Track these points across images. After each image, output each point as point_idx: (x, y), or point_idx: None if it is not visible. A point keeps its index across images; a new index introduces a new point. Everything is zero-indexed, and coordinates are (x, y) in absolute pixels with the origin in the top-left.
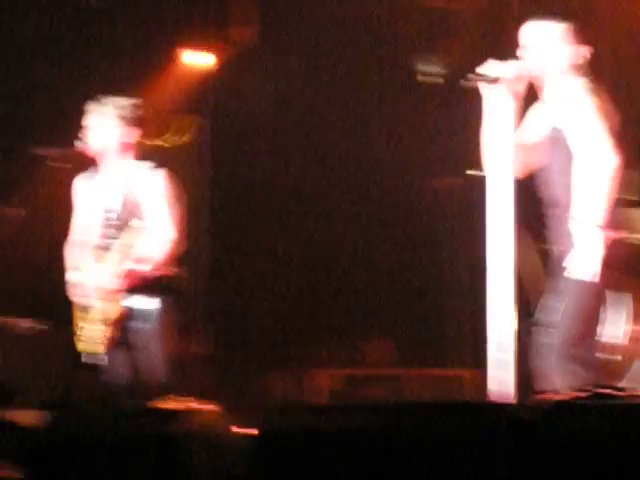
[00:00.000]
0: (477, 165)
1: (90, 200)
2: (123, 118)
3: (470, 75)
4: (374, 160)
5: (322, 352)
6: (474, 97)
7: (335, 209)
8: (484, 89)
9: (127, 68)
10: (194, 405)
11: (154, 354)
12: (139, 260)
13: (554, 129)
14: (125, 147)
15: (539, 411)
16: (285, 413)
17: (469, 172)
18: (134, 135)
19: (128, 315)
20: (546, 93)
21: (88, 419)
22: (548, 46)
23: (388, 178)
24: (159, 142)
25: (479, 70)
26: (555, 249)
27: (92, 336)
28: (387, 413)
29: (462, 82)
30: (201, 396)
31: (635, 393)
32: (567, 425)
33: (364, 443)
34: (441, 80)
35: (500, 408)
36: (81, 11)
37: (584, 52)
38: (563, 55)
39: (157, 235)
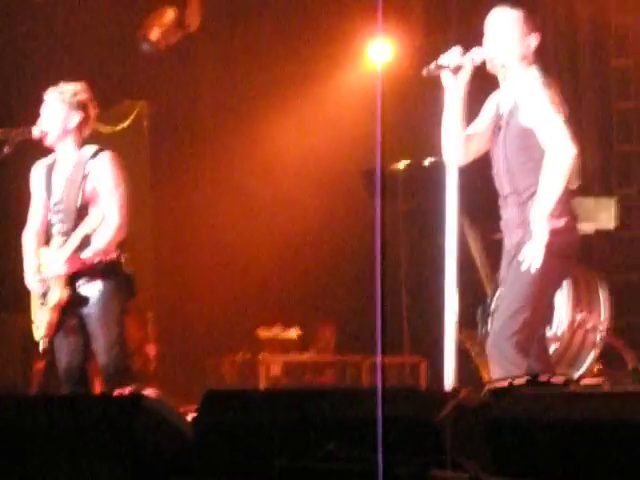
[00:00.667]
0: (430, 153)
1: (41, 186)
2: (68, 103)
3: (433, 63)
4: (323, 148)
5: (269, 338)
6: (434, 86)
7: (280, 195)
8: (445, 78)
9: (75, 52)
10: (138, 391)
11: (99, 340)
12: (85, 244)
13: (509, 117)
14: (70, 131)
15: (478, 399)
16: (228, 399)
17: (418, 160)
18: (78, 119)
19: (75, 300)
20: (502, 82)
21: (33, 406)
22: (505, 34)
23: (336, 167)
24: (104, 127)
25: (441, 59)
26: (507, 238)
27: (44, 322)
28: (332, 400)
29: (424, 70)
30: (145, 382)
31: (574, 381)
32: (505, 411)
33: (308, 430)
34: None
35: (441, 395)
36: None
37: (536, 40)
38: (519, 43)
39: (102, 219)
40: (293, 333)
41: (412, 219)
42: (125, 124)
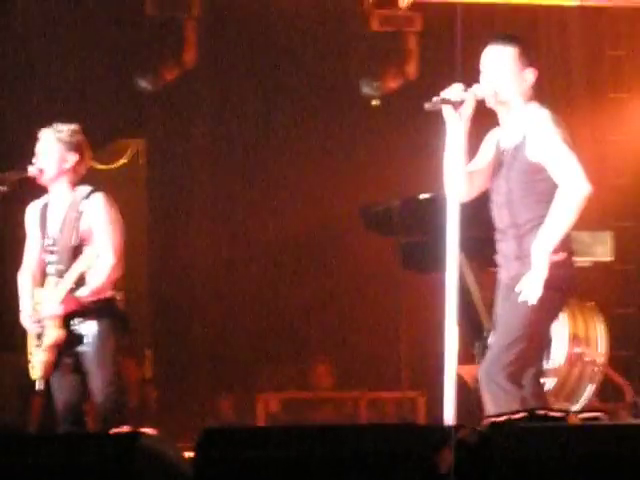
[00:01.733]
0: (430, 187)
1: (38, 226)
2: (64, 143)
3: (435, 98)
4: (316, 184)
5: (266, 375)
6: (435, 120)
7: (276, 231)
8: (447, 112)
9: (71, 91)
10: (136, 429)
11: (95, 378)
12: (80, 284)
13: (515, 152)
14: (65, 172)
15: (477, 433)
16: (227, 436)
17: (414, 195)
18: (74, 160)
19: (71, 340)
20: (504, 117)
21: (29, 445)
22: (503, 70)
23: (334, 202)
24: (99, 165)
25: (443, 93)
26: (504, 271)
27: (40, 362)
28: (331, 437)
29: (426, 105)
30: (143, 420)
31: (572, 415)
32: (506, 447)
33: (307, 466)
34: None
35: (440, 430)
36: (22, 36)
37: (533, 75)
38: (516, 79)
39: (97, 259)
40: (290, 370)
41: (410, 253)
42: (122, 161)
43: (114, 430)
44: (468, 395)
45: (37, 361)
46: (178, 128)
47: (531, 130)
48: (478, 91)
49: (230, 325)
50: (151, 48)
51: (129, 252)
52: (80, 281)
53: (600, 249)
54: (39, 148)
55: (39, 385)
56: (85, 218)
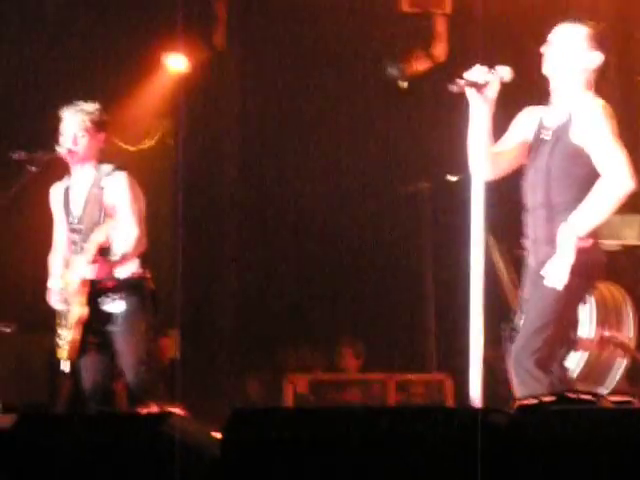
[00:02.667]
0: (454, 170)
1: (61, 206)
2: (89, 122)
3: (458, 80)
4: (344, 166)
5: (294, 356)
6: (459, 101)
7: (304, 213)
8: (470, 94)
9: (98, 72)
10: (163, 409)
11: (125, 358)
12: (106, 260)
13: (560, 132)
14: (92, 152)
15: (509, 416)
16: (252, 417)
17: (447, 177)
18: (101, 140)
19: (100, 319)
20: (555, 94)
21: (58, 425)
22: (570, 47)
23: (361, 184)
24: (127, 146)
25: (466, 75)
26: (533, 254)
27: (67, 342)
28: (359, 418)
29: (450, 87)
30: (170, 400)
31: (602, 398)
32: (536, 429)
33: (335, 448)
34: (424, 85)
35: (469, 413)
36: (53, 15)
37: (600, 59)
38: (583, 60)
39: (120, 233)
40: (318, 351)
41: (438, 236)
42: (151, 142)
43: (143, 410)
44: (496, 378)
45: (63, 341)
46: (208, 109)
47: (580, 114)
48: (502, 73)
49: (258, 306)
50: (183, 28)
51: (157, 232)
52: (102, 256)
53: (629, 232)
54: (65, 128)
55: (64, 365)
56: (107, 194)
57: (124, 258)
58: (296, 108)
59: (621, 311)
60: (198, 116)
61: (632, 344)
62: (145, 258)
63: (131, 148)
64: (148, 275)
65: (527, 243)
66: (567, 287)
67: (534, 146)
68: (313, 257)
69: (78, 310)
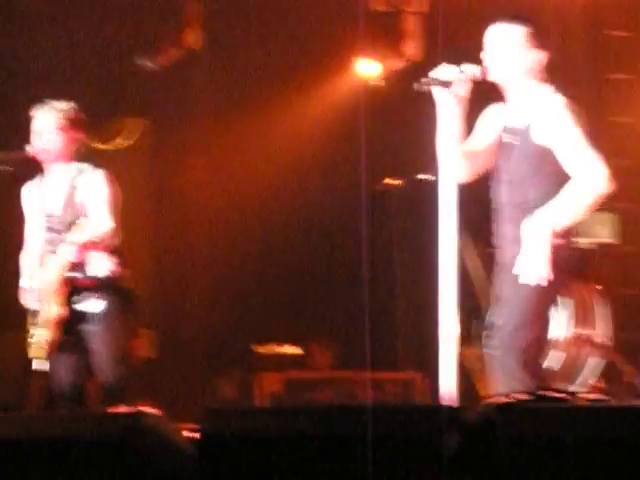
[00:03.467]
0: (422, 168)
1: (35, 205)
2: (60, 120)
3: (423, 79)
4: (315, 163)
5: (267, 354)
6: (425, 101)
7: (274, 210)
8: (437, 93)
9: (73, 70)
10: (137, 409)
11: (101, 357)
12: (79, 251)
13: (525, 133)
14: (66, 150)
15: (482, 414)
16: (227, 415)
17: (416, 176)
18: (75, 138)
19: (75, 318)
20: (510, 95)
21: (30, 424)
22: (509, 49)
23: (333, 181)
24: (100, 145)
25: (432, 73)
26: (502, 252)
27: (41, 341)
28: (333, 417)
29: (415, 85)
30: (144, 399)
31: (577, 396)
32: (510, 428)
33: (307, 446)
34: (387, 83)
35: (444, 411)
36: (23, 14)
37: (543, 57)
38: (524, 59)
39: (94, 228)
40: (290, 349)
41: (409, 234)
42: (127, 142)
43: (116, 409)
44: (467, 376)
45: (36, 340)
46: (181, 107)
47: (541, 113)
48: (469, 70)
49: (230, 304)
50: (154, 27)
51: (134, 232)
52: (75, 249)
53: (602, 230)
54: (36, 126)
55: (36, 364)
56: (81, 192)
57: (95, 242)
58: (268, 107)
59: (597, 309)
60: (173, 115)
61: (607, 342)
62: (122, 257)
63: (106, 147)
64: (125, 274)
65: (496, 241)
66: (545, 284)
67: (499, 146)
68: (284, 254)
69: (55, 309)
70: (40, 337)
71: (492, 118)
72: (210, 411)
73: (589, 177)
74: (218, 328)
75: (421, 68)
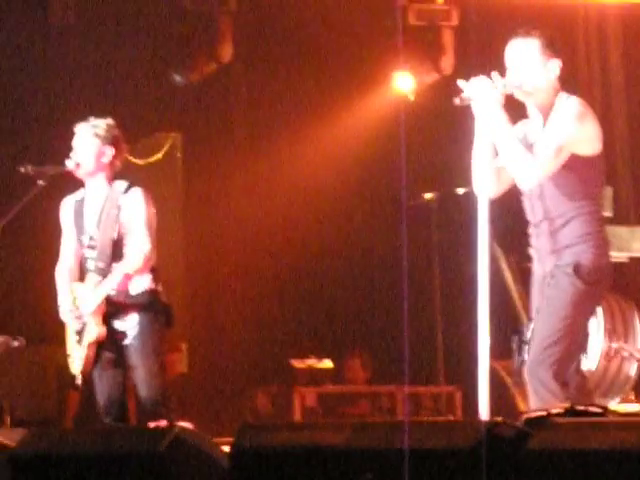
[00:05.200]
0: (459, 182)
1: (73, 220)
2: (101, 137)
3: (463, 93)
4: (352, 177)
5: (303, 369)
6: (462, 115)
7: (312, 224)
8: (475, 107)
9: (106, 86)
10: (175, 423)
11: (140, 372)
12: (119, 275)
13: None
14: (102, 166)
15: (517, 429)
16: (262, 431)
17: (450, 189)
18: (113, 154)
19: (114, 335)
20: (531, 110)
21: (67, 439)
22: (528, 62)
23: (370, 195)
24: (135, 160)
25: (468, 88)
26: (537, 266)
27: (81, 357)
28: (367, 432)
29: (456, 100)
30: (181, 414)
31: (610, 410)
32: (543, 442)
33: (343, 461)
34: (422, 97)
35: (479, 426)
36: (57, 30)
37: (558, 66)
38: (543, 70)
39: (133, 249)
40: (327, 364)
41: (445, 248)
42: (159, 156)
43: (152, 424)
44: (505, 390)
45: (77, 357)
46: (215, 122)
47: (567, 123)
48: (504, 84)
49: (266, 318)
50: (186, 42)
51: (165, 246)
52: (116, 272)
53: (637, 244)
54: (76, 142)
55: (78, 380)
56: (124, 212)
57: (136, 272)
58: (303, 121)
59: (630, 322)
60: (205, 129)
61: None
62: (158, 274)
63: (140, 162)
64: (160, 289)
65: (533, 253)
66: (576, 296)
67: None
68: (322, 269)
69: (95, 330)
70: (80, 353)
71: (520, 133)
72: (245, 426)
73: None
74: (254, 342)
75: (454, 82)
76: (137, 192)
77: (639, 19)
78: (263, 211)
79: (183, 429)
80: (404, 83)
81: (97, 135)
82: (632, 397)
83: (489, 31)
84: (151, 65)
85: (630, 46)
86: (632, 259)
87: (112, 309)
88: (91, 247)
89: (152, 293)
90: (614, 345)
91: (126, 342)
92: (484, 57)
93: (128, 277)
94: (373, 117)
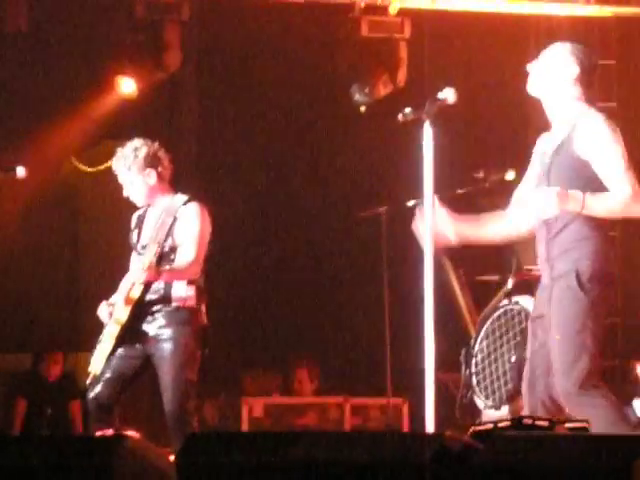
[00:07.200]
0: (409, 194)
1: (135, 235)
2: (136, 167)
3: (405, 110)
4: (307, 190)
5: (251, 380)
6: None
7: (259, 234)
8: (417, 123)
9: (57, 94)
10: (121, 432)
11: (164, 384)
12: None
13: (559, 148)
14: (154, 186)
15: (464, 442)
16: (207, 440)
17: (401, 202)
18: (155, 173)
19: (138, 336)
20: (553, 118)
21: (11, 446)
22: (551, 69)
23: (320, 207)
24: (85, 167)
25: (411, 107)
26: (543, 272)
27: (100, 355)
28: (314, 443)
29: (399, 116)
30: (127, 423)
31: (558, 424)
32: (489, 456)
33: (290, 472)
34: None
35: (425, 438)
36: (9, 36)
37: (577, 71)
38: (559, 77)
39: (179, 256)
40: (275, 375)
41: (395, 260)
42: (109, 164)
43: (98, 433)
44: (453, 403)
45: (96, 353)
46: (164, 130)
47: (581, 125)
48: (446, 95)
49: (214, 329)
50: (136, 50)
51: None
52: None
53: None
54: (120, 180)
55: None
56: (180, 224)
57: (172, 270)
58: (253, 132)
59: None
60: (154, 137)
61: None
62: (200, 291)
63: (90, 170)
64: (202, 310)
65: (539, 262)
66: (590, 297)
67: (539, 171)
68: (270, 280)
69: (116, 327)
70: (101, 351)
71: (536, 150)
72: (191, 436)
73: (616, 185)
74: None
75: (407, 94)
76: (194, 206)
77: (588, 31)
78: (213, 219)
79: (131, 438)
80: (355, 95)
81: (130, 167)
82: None
83: (442, 43)
84: (102, 73)
85: None
86: None
87: (146, 311)
88: (142, 252)
89: (193, 310)
90: None
91: (156, 350)
92: (437, 69)
93: (170, 277)
94: (324, 127)
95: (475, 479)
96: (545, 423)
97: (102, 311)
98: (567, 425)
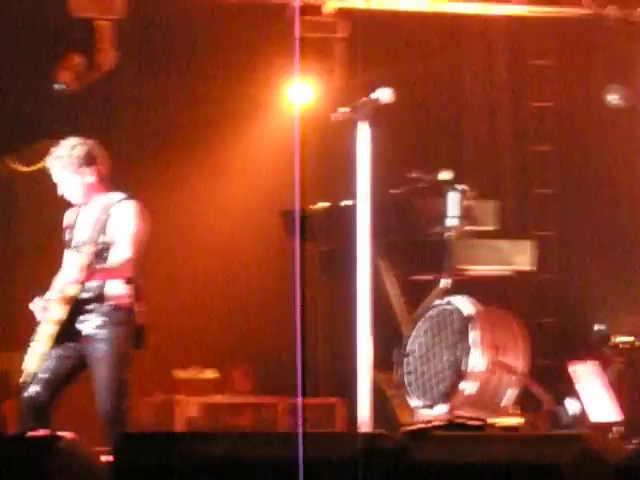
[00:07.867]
0: (346, 194)
1: (69, 231)
2: (71, 165)
3: (339, 109)
4: (242, 190)
5: (186, 379)
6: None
7: (197, 234)
8: (352, 122)
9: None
10: (54, 432)
11: (99, 383)
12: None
13: None
14: (90, 186)
15: (396, 441)
16: (141, 440)
17: (337, 202)
18: (89, 171)
19: (72, 335)
20: None
21: None
22: None
23: (255, 208)
24: (22, 167)
25: (346, 106)
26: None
27: (34, 354)
28: (248, 442)
29: (332, 116)
30: (60, 423)
31: (489, 424)
32: (422, 455)
33: (224, 471)
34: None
35: (357, 437)
36: None
37: None
38: None
39: (113, 253)
40: (210, 374)
41: (329, 260)
42: (44, 164)
43: (31, 433)
44: (386, 402)
45: (31, 352)
46: (101, 130)
47: None
48: (380, 95)
49: (149, 327)
50: (70, 49)
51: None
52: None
53: (520, 258)
54: (54, 178)
55: (28, 378)
56: (114, 222)
57: (106, 268)
58: (188, 131)
59: (512, 336)
60: (91, 136)
61: (522, 369)
62: (136, 289)
63: (25, 169)
64: (138, 309)
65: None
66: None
67: None
68: (206, 279)
69: (59, 309)
70: (35, 349)
71: None
72: (123, 436)
73: None
74: (136, 352)
75: (344, 93)
76: (129, 204)
77: (522, 29)
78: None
79: (63, 438)
80: (297, 95)
81: (65, 166)
82: (514, 411)
83: (376, 43)
84: (37, 72)
85: (515, 57)
86: (516, 272)
87: (79, 309)
88: (78, 251)
89: (127, 310)
90: (499, 359)
91: (91, 350)
92: (372, 68)
93: (104, 275)
94: (269, 129)
95: (407, 478)
96: (477, 423)
97: (36, 305)
98: (499, 425)
